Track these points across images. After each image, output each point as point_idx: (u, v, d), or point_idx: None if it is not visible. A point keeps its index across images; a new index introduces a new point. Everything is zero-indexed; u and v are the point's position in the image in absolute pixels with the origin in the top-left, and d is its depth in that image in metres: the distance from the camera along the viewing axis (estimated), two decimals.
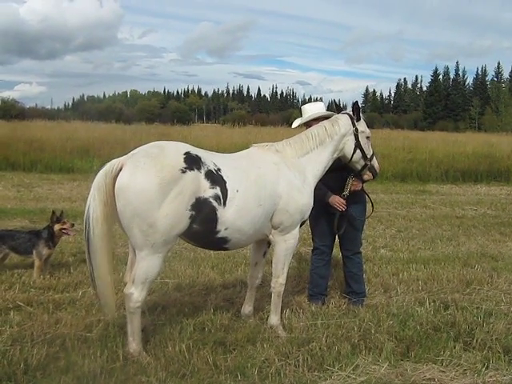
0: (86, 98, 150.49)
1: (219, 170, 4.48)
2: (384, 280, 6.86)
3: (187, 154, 4.36)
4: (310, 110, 5.81)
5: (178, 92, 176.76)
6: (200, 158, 4.40)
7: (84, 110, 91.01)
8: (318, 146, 5.17)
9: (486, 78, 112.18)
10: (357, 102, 5.44)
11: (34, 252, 6.68)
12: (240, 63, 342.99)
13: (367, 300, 6.08)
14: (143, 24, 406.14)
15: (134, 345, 4.44)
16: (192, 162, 4.32)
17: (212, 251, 7.98)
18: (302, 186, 4.99)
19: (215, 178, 4.42)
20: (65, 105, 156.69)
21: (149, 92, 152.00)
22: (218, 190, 4.39)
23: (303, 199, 4.97)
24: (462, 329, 5.22)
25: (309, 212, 5.10)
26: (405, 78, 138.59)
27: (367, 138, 5.42)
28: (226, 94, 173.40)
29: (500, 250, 8.88)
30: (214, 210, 4.38)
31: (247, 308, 5.45)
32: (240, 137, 23.22)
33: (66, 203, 12.38)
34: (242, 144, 18.54)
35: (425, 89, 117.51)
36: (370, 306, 5.91)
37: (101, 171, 4.28)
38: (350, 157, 5.36)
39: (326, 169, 5.29)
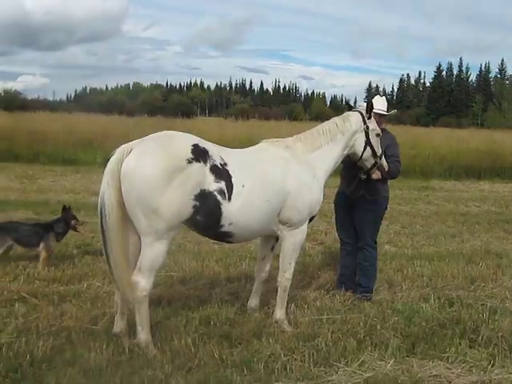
0: (88, 90, 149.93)
1: (225, 164, 4.47)
2: (389, 276, 6.87)
3: (195, 145, 4.36)
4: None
5: (180, 85, 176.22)
6: (207, 152, 4.40)
7: (86, 102, 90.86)
8: (329, 141, 5.17)
9: (490, 75, 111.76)
10: (371, 100, 5.48)
11: (42, 244, 6.67)
12: (243, 57, 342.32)
13: (373, 296, 6.07)
14: (148, 16, 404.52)
15: (143, 335, 4.45)
16: (199, 154, 4.32)
17: (216, 245, 8.03)
18: (311, 182, 4.98)
19: (220, 172, 4.41)
20: (67, 96, 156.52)
21: (151, 85, 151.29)
22: (222, 185, 4.39)
23: (312, 195, 4.97)
24: (468, 326, 5.24)
25: (318, 208, 5.10)
26: (408, 74, 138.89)
27: (377, 135, 5.41)
28: (228, 88, 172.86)
29: (504, 247, 8.87)
30: (218, 204, 4.38)
31: (253, 302, 5.45)
32: (244, 131, 23.11)
33: (70, 195, 12.36)
34: (246, 138, 18.53)
35: (428, 85, 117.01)
36: (374, 301, 5.92)
37: (112, 157, 4.30)
38: (360, 154, 5.36)
39: (337, 165, 5.32)
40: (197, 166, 4.26)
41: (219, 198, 4.36)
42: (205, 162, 4.33)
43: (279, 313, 5.16)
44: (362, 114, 5.37)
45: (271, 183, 4.70)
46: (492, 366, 4.40)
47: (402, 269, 7.17)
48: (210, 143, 4.59)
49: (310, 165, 5.05)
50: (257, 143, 5.21)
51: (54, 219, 7.13)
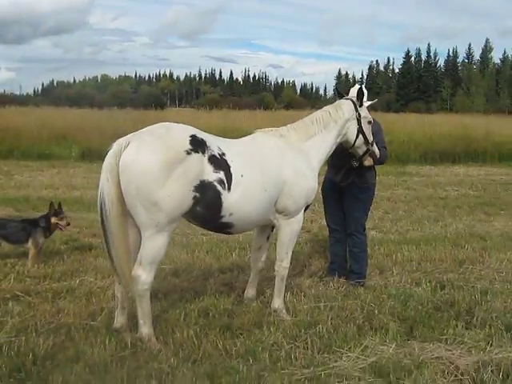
0: (55, 84, 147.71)
1: (224, 154, 4.46)
2: (378, 261, 6.95)
3: (193, 136, 4.34)
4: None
5: (149, 76, 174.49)
6: (205, 142, 4.38)
7: (54, 95, 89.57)
8: (322, 130, 5.19)
9: (457, 60, 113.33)
10: (361, 87, 5.53)
11: (31, 240, 6.55)
12: (212, 46, 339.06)
13: (365, 281, 6.14)
14: (114, 7, 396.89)
15: (145, 328, 4.43)
16: (197, 145, 4.30)
17: (204, 236, 8.02)
18: (306, 171, 5.00)
19: (219, 162, 4.40)
20: (34, 90, 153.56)
21: (120, 77, 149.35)
22: (222, 175, 4.37)
23: (308, 184, 4.99)
24: (462, 308, 5.33)
25: (313, 196, 5.12)
26: (377, 60, 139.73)
27: (369, 123, 5.47)
28: (198, 78, 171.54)
29: (486, 229, 9.05)
30: (218, 194, 4.36)
31: (250, 292, 5.47)
32: (218, 120, 23.06)
33: (49, 190, 12.20)
34: (222, 128, 18.48)
35: (397, 71, 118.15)
36: (368, 287, 5.98)
37: (109, 152, 4.25)
38: (352, 142, 5.41)
39: (330, 153, 5.34)
40: (196, 157, 4.24)
41: (219, 188, 4.34)
42: (203, 152, 4.31)
43: (277, 302, 5.19)
44: (353, 102, 5.40)
45: (269, 172, 4.70)
46: (490, 346, 4.47)
47: (391, 254, 7.25)
48: (207, 133, 4.56)
49: (304, 153, 5.07)
50: (250, 133, 5.20)
51: (39, 216, 6.99)
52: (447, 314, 5.14)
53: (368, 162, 5.74)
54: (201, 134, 4.44)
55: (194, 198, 4.26)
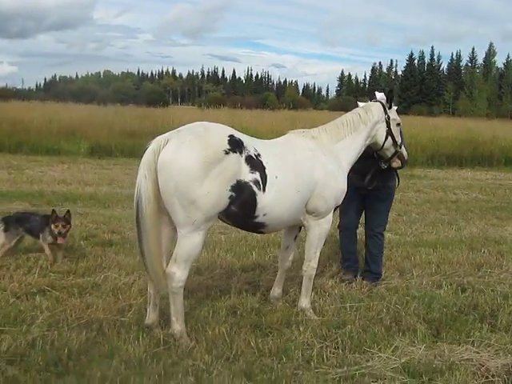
0: (58, 79, 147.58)
1: (259, 155, 4.50)
2: (397, 263, 6.99)
3: (231, 136, 4.38)
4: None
5: (152, 73, 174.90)
6: (242, 142, 4.42)
7: (57, 90, 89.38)
8: (352, 132, 5.24)
9: (461, 64, 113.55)
10: (391, 90, 5.58)
11: (41, 236, 6.57)
12: (215, 45, 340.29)
13: (386, 283, 6.20)
14: (118, 3, 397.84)
15: (177, 325, 4.47)
16: (235, 145, 4.34)
17: (222, 235, 8.06)
18: (337, 172, 5.05)
19: (255, 163, 4.44)
20: (36, 85, 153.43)
21: (122, 73, 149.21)
22: (257, 175, 4.42)
23: (338, 185, 5.04)
24: (485, 311, 5.37)
25: (343, 197, 5.17)
26: (380, 62, 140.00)
27: (397, 125, 5.52)
28: (200, 76, 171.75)
29: (500, 234, 9.08)
30: (253, 195, 4.40)
31: (276, 291, 5.51)
32: (226, 119, 23.01)
33: (62, 186, 12.22)
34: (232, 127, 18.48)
35: (400, 73, 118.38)
36: (391, 288, 6.02)
37: (148, 149, 4.28)
38: (381, 144, 5.46)
39: (359, 155, 5.37)
40: (233, 157, 4.28)
41: (255, 188, 4.39)
42: (240, 152, 4.35)
43: (304, 301, 5.23)
44: (383, 105, 5.45)
45: (301, 174, 4.75)
46: None
47: (410, 256, 7.30)
48: (243, 134, 4.61)
49: (334, 155, 5.12)
50: (283, 134, 5.25)
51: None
52: (472, 317, 5.18)
53: (396, 163, 5.78)
54: (238, 135, 4.49)
55: (230, 197, 4.30)
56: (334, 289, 5.90)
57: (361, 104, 5.84)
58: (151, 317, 4.66)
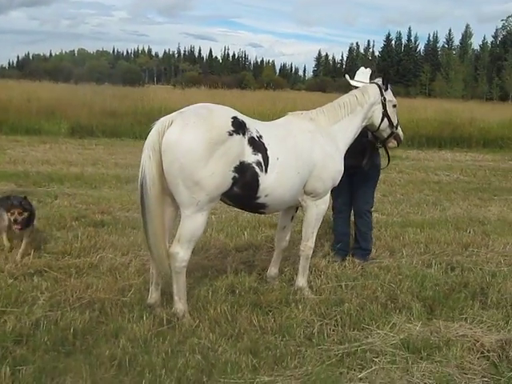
0: (31, 57, 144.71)
1: (261, 137, 4.55)
2: (387, 243, 7.13)
3: (234, 118, 4.42)
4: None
5: (127, 52, 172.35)
6: (245, 124, 4.47)
7: (31, 68, 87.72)
8: (349, 113, 5.31)
9: (437, 45, 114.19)
10: (387, 71, 5.64)
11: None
12: (191, 23, 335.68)
13: (378, 262, 6.34)
14: None
15: (180, 305, 4.54)
16: (239, 127, 4.39)
17: (213, 215, 8.10)
18: (334, 154, 5.13)
19: (258, 144, 4.49)
20: (9, 63, 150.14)
21: (97, 51, 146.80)
22: (259, 157, 4.47)
23: (336, 166, 5.13)
24: (476, 289, 5.54)
25: (340, 178, 5.25)
26: (357, 43, 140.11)
27: (394, 106, 5.60)
28: (177, 55, 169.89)
29: (484, 214, 9.26)
30: (256, 176, 4.46)
31: (273, 270, 5.60)
32: (208, 100, 22.91)
33: (46, 166, 12.10)
34: None
35: (377, 54, 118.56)
36: (382, 267, 6.15)
37: (152, 130, 4.30)
38: (377, 125, 5.55)
39: (356, 136, 5.45)
40: (237, 139, 4.33)
41: (257, 169, 4.44)
42: (243, 134, 4.40)
43: (301, 280, 5.34)
44: (379, 86, 5.52)
45: (301, 155, 4.82)
46: (509, 326, 4.69)
47: (398, 236, 7.44)
48: (245, 116, 4.64)
49: (332, 137, 5.19)
50: (281, 116, 5.30)
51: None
52: (463, 295, 5.32)
53: (392, 144, 5.91)
54: (241, 116, 4.53)
55: (234, 178, 4.35)
56: (327, 268, 6.01)
57: (350, 81, 5.94)
58: (153, 296, 4.72)
